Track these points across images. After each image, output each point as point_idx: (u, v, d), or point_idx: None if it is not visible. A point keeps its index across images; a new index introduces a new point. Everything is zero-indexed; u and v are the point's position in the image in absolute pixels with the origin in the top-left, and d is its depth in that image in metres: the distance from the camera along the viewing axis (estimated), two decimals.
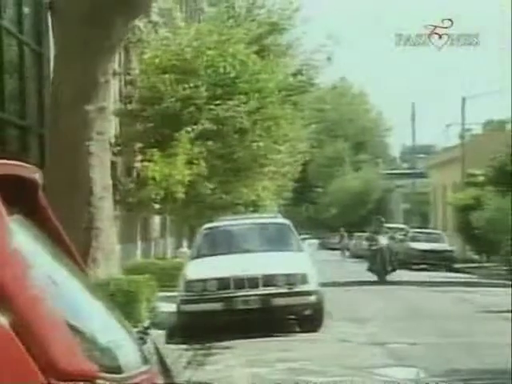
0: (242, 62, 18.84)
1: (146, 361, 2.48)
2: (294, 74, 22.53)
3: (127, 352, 2.41)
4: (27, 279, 2.04)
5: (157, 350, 2.90)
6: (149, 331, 2.93)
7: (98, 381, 2.04)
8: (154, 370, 2.52)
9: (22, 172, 2.45)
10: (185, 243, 27.63)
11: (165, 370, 2.84)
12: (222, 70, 18.56)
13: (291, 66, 23.14)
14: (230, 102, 18.30)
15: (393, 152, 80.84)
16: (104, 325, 2.48)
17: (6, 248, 2.08)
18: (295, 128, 23.15)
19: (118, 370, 2.22)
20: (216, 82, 18.68)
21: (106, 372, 2.09)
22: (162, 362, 2.88)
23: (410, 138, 57.46)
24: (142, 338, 2.75)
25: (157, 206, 19.32)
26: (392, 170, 67.77)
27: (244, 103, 18.41)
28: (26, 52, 13.81)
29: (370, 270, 23.89)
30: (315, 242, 24.75)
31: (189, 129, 17.93)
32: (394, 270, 23.67)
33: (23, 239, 2.29)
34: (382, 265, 23.11)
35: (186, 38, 19.31)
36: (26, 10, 14.00)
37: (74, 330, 2.11)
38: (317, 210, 69.56)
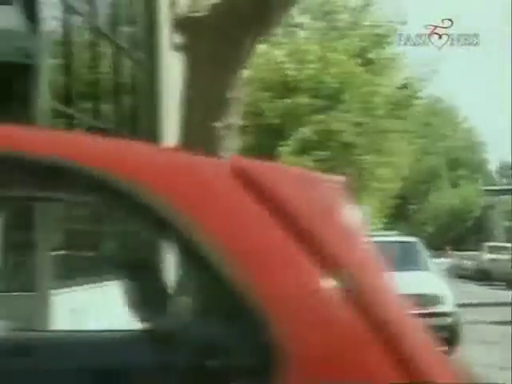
0: (346, 73, 18.54)
1: None
2: (400, 88, 22.11)
3: None
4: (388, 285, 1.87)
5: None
6: None
7: None
8: None
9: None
10: None
11: None
12: (324, 81, 18.32)
13: (397, 80, 22.72)
14: (334, 113, 18.04)
15: (490, 167, 78.86)
16: None
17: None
18: (401, 143, 22.64)
19: None
20: (319, 93, 18.42)
21: None
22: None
23: (509, 153, 55.86)
24: None
25: None
26: (491, 185, 65.99)
27: (347, 112, 18.10)
28: (139, 70, 13.90)
29: None
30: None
31: (290, 142, 17.76)
32: None
33: None
34: None
35: (286, 51, 19.18)
36: (138, 28, 14.11)
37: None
38: (412, 228, 68.22)
